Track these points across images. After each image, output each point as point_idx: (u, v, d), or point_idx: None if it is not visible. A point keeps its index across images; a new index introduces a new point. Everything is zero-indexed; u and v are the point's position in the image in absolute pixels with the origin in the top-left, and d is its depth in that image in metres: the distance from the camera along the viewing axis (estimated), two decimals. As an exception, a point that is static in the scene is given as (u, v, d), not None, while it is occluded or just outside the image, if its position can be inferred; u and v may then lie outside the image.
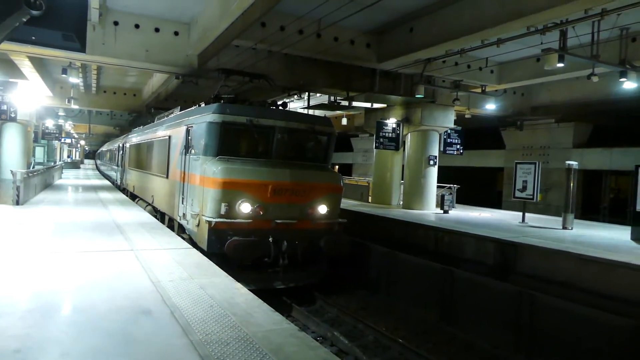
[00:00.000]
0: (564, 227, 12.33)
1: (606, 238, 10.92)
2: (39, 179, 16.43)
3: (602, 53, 11.08)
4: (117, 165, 24.66)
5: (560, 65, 10.67)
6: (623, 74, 11.81)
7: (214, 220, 8.92)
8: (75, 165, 52.77)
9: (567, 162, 12.91)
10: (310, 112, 18.24)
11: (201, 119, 9.87)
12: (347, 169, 35.21)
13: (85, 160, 76.67)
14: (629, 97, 15.45)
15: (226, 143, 9.49)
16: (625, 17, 10.05)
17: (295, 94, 16.54)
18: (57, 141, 40.19)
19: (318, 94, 17.60)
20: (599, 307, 7.43)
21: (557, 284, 8.56)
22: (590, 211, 20.47)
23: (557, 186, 19.18)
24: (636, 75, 12.01)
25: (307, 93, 16.99)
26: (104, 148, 42.19)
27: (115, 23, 11.81)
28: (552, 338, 7.69)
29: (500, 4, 9.64)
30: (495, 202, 23.60)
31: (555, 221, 13.72)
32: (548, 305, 7.85)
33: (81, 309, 4.53)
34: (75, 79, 16.47)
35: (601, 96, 16.76)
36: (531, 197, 13.03)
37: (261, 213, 9.21)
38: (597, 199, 21.37)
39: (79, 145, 66.45)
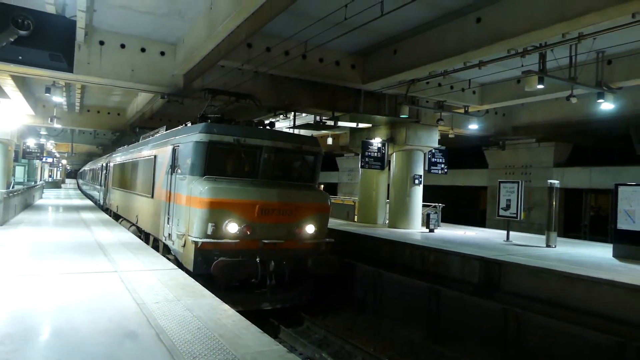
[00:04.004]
0: (548, 245, 12.48)
1: (589, 256, 11.07)
2: (19, 199, 16.10)
3: (580, 75, 11.43)
4: (100, 185, 24.32)
5: (540, 86, 11.02)
6: (600, 96, 12.18)
7: (201, 240, 8.83)
8: (56, 184, 51.94)
9: (549, 180, 13.12)
10: (296, 131, 18.32)
11: (188, 139, 9.84)
12: (332, 188, 35.29)
13: (67, 180, 75.56)
14: (606, 117, 15.89)
15: (213, 162, 9.46)
16: (601, 41, 10.41)
17: (281, 114, 16.62)
18: (38, 160, 39.55)
19: (304, 114, 17.73)
20: (584, 325, 7.50)
21: (542, 301, 8.62)
22: (571, 229, 20.79)
23: (540, 204, 19.48)
24: (613, 97, 12.40)
25: (292, 113, 17.10)
26: (87, 167, 41.64)
27: (101, 43, 11.81)
28: (538, 356, 7.70)
29: (481, 28, 9.92)
30: (479, 221, 23.82)
31: (538, 239, 13.89)
32: (533, 323, 7.89)
33: (63, 332, 4.41)
34: (58, 98, 16.34)
35: (580, 117, 17.20)
36: (515, 215, 13.19)
37: (248, 233, 9.15)
38: (578, 217, 21.73)
39: (60, 165, 65.50)
